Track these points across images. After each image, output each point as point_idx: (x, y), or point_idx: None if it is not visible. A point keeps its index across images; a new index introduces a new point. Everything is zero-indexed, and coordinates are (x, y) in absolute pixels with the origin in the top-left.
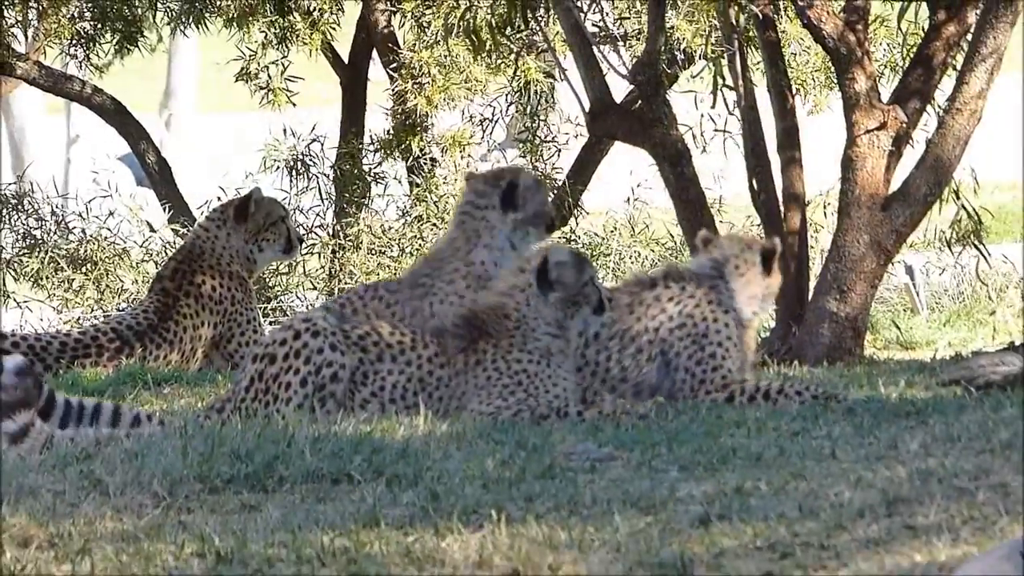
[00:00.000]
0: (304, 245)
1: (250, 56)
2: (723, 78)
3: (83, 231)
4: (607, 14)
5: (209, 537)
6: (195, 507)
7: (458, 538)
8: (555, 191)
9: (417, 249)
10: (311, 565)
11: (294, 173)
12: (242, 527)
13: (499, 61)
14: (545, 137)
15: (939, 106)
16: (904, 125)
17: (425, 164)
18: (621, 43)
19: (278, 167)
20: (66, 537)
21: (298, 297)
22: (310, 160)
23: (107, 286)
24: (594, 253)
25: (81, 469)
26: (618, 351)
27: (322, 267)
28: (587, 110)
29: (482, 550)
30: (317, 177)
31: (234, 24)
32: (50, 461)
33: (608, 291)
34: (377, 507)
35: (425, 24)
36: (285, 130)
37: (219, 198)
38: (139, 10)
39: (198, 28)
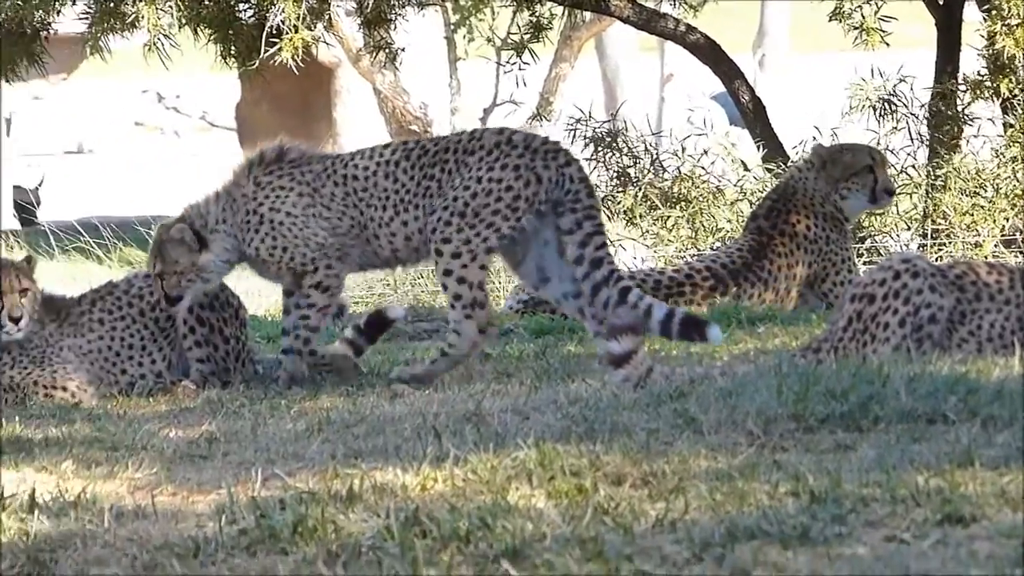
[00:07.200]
0: (892, 196)
1: None
2: None
3: (677, 169)
4: None
5: (803, 476)
6: (789, 446)
7: None
8: None
9: (1012, 189)
10: (905, 505)
11: (881, 114)
12: (836, 467)
13: None
14: None
15: None
16: None
17: (1019, 105)
18: None
19: (864, 107)
20: (659, 475)
21: (892, 237)
22: (898, 101)
23: (701, 224)
24: None
25: (675, 407)
26: None
27: (914, 207)
28: None
29: None
30: (907, 118)
31: None
32: (644, 399)
33: None
34: (972, 448)
35: None
36: (872, 71)
37: (814, 138)
38: None
39: None
